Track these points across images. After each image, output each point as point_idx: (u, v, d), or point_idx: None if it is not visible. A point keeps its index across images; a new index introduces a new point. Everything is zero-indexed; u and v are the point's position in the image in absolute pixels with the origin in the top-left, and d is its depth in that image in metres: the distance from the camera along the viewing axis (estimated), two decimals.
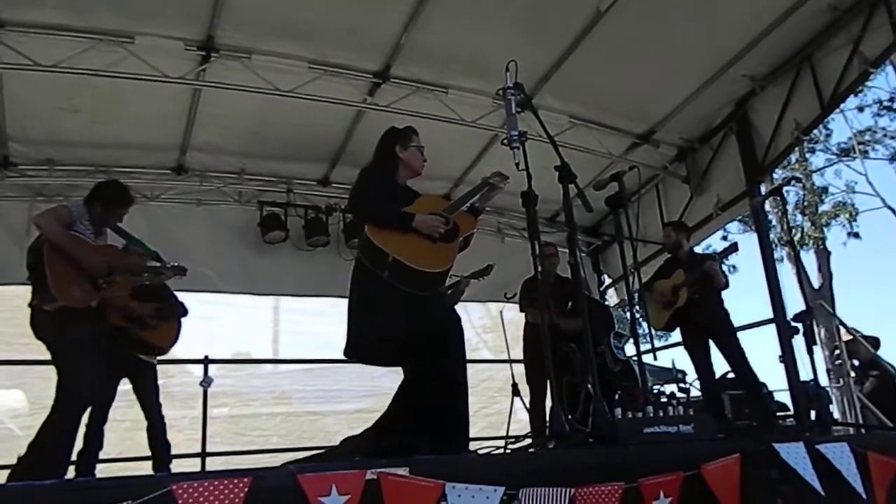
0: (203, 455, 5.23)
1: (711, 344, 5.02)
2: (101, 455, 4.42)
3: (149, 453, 4.38)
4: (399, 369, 3.24)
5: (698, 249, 6.08)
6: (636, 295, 4.66)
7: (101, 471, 4.59)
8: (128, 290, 3.98)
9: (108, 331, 4.13)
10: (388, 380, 3.19)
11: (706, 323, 5.00)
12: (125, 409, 4.39)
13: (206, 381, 5.24)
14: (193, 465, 5.09)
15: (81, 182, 5.52)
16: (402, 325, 2.96)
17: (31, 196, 5.65)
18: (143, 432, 4.34)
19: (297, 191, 6.58)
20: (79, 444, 4.09)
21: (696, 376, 5.30)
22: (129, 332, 4.24)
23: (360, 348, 3.09)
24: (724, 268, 5.39)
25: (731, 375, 5.25)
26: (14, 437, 5.42)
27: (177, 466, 4.49)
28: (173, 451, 4.47)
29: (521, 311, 5.47)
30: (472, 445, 3.23)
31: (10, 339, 5.35)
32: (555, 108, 5.83)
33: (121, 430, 5.00)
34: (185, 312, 4.66)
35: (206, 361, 5.30)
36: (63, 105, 5.10)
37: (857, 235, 14.42)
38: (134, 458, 4.43)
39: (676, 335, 5.41)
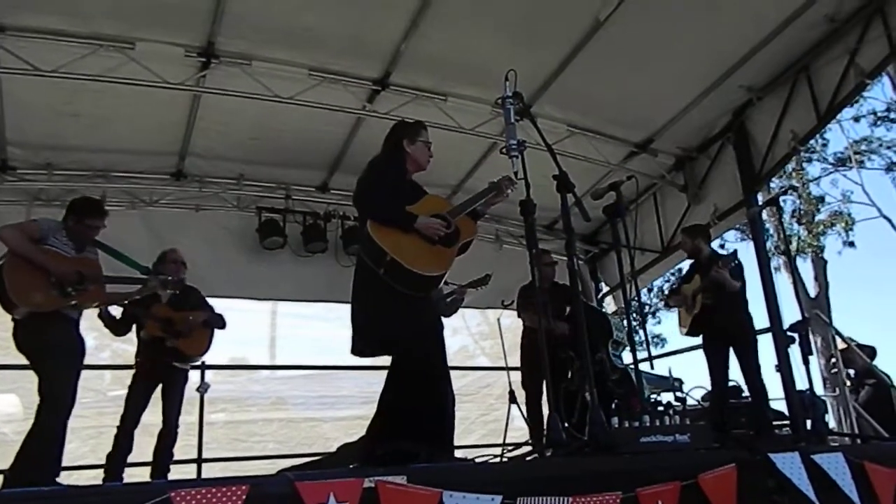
0: (199, 461, 5.20)
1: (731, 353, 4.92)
2: (97, 461, 4.41)
3: (146, 459, 4.38)
4: None
5: None
6: (633, 303, 4.65)
7: (95, 476, 4.58)
8: (102, 299, 3.99)
9: (149, 340, 4.35)
10: None
11: (726, 327, 4.89)
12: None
13: (203, 387, 5.22)
14: (190, 472, 5.06)
15: (80, 187, 5.52)
16: (393, 323, 3.00)
17: (29, 200, 5.65)
18: (142, 438, 4.33)
19: (296, 197, 6.58)
20: (108, 447, 4.21)
21: (698, 382, 5.27)
22: (166, 341, 4.38)
23: (361, 342, 3.11)
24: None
25: (733, 383, 5.23)
26: (8, 442, 5.39)
27: (173, 473, 4.48)
28: None
29: (519, 315, 5.48)
30: (471, 453, 3.22)
31: (4, 344, 5.31)
32: (553, 117, 5.85)
33: None
34: (222, 325, 4.74)
35: (202, 367, 5.26)
36: (63, 110, 5.10)
37: (852, 244, 14.49)
38: (133, 464, 4.41)
39: (676, 343, 5.40)
